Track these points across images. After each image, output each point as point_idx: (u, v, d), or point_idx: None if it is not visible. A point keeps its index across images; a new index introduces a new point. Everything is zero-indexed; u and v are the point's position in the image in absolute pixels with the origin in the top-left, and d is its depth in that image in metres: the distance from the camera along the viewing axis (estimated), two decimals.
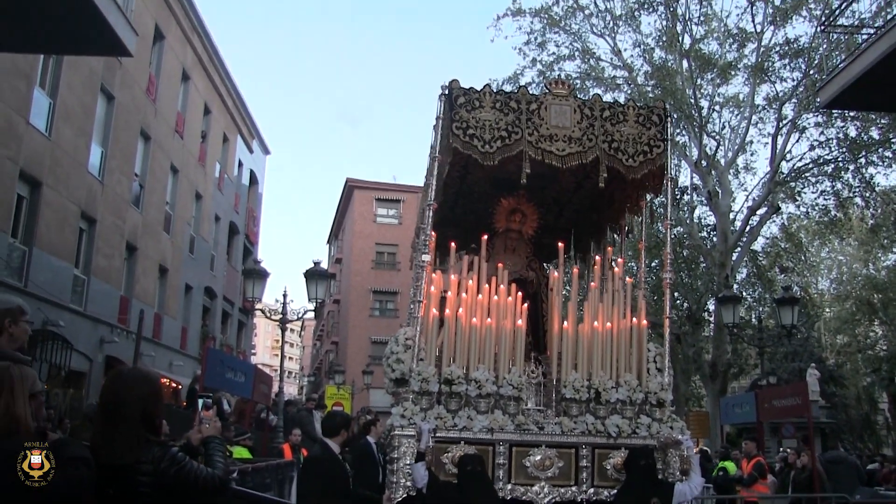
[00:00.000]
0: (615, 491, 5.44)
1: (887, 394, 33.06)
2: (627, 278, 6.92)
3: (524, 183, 6.23)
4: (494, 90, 6.35)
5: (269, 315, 11.30)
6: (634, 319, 6.53)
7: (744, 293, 21.80)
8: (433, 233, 6.76)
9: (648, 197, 7.32)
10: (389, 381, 6.08)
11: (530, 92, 6.60)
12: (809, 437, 7.78)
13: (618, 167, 6.37)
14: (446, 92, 6.25)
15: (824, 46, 12.27)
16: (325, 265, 49.23)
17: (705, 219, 21.19)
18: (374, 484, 6.00)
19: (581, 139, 6.27)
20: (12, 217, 12.04)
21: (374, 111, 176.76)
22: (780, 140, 18.82)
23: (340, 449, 5.22)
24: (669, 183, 6.85)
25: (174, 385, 17.90)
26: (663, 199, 20.13)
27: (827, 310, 38.33)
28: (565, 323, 6.33)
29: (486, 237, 7.03)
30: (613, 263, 7.10)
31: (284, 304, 10.60)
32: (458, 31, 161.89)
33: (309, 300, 10.57)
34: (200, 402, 5.58)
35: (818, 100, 11.55)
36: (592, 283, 6.73)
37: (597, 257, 7.31)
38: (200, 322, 24.12)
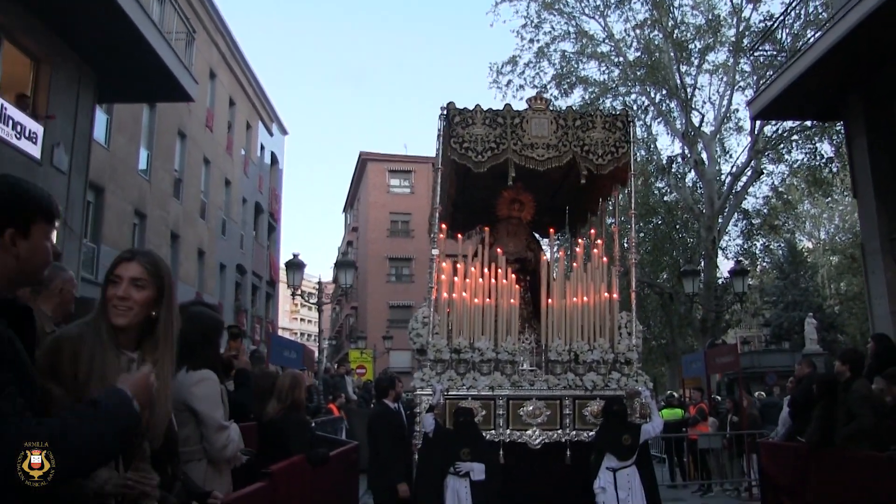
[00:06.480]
0: (593, 433, 6.58)
1: None
2: (604, 258, 7.86)
3: (517, 177, 7.26)
4: (484, 109, 7.44)
5: (307, 299, 12.93)
6: (606, 294, 7.69)
7: (733, 253, 22.94)
8: (444, 225, 7.89)
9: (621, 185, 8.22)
10: (414, 351, 7.44)
11: (514, 108, 7.61)
12: (739, 386, 9.40)
13: (589, 167, 7.41)
14: (444, 113, 7.31)
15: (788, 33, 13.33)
16: (341, 233, 48.97)
17: (698, 181, 21.84)
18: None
19: (557, 146, 7.34)
20: (83, 220, 13.80)
21: (380, 74, 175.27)
22: None
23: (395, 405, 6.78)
24: (633, 178, 7.76)
25: None
26: (654, 178, 21.24)
27: (831, 258, 39.21)
28: (550, 299, 7.50)
29: (488, 228, 8.11)
30: (598, 240, 8.12)
31: (320, 289, 12.27)
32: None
33: (339, 286, 12.05)
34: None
35: (749, 111, 12.68)
36: (575, 264, 7.81)
37: (580, 240, 8.44)
38: (234, 296, 25.79)
